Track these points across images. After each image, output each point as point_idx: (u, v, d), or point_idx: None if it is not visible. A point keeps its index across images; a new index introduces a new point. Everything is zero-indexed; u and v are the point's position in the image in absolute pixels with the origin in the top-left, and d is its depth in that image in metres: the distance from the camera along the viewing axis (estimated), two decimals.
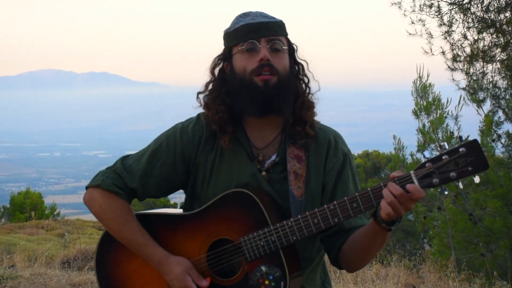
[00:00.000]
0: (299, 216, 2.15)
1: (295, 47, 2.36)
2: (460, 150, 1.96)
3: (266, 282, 2.16)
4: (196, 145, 2.34)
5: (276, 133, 2.35)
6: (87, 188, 2.36)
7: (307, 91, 2.35)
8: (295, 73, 2.34)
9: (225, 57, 2.33)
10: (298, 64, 2.36)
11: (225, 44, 2.33)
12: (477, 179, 1.98)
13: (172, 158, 2.33)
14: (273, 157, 2.32)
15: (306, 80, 2.36)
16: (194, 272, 2.25)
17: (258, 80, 2.21)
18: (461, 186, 2.03)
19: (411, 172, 2.01)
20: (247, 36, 2.24)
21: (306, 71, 2.36)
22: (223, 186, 2.28)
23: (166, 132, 2.40)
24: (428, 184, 2.00)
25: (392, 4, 8.90)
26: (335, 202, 2.11)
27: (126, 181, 2.32)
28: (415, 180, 2.00)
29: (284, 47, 2.27)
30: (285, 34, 2.31)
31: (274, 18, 2.30)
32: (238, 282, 2.21)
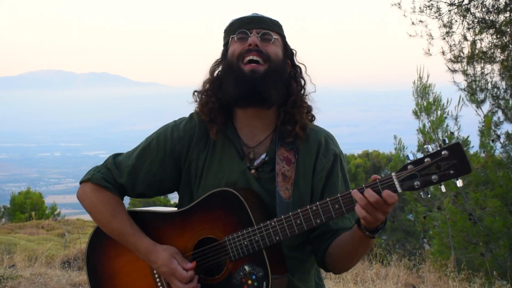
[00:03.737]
0: (282, 216, 2.14)
1: (294, 51, 2.38)
2: (443, 153, 1.93)
3: (249, 281, 2.17)
4: (187, 143, 2.35)
5: (268, 132, 2.36)
6: (80, 183, 2.40)
7: (302, 92, 2.36)
8: (291, 75, 2.36)
9: (223, 57, 2.36)
10: (296, 67, 2.38)
11: (223, 44, 2.37)
12: (459, 183, 1.95)
13: (162, 156, 2.35)
14: (263, 156, 2.33)
15: (302, 82, 2.37)
16: (179, 256, 2.26)
17: (246, 69, 2.24)
18: (443, 189, 1.98)
19: (393, 174, 1.99)
20: (239, 27, 2.30)
21: (304, 74, 2.38)
22: (213, 184, 2.30)
23: (158, 130, 2.42)
24: (409, 187, 1.97)
25: (392, 5, 8.92)
26: (317, 203, 2.09)
27: (115, 176, 2.36)
28: (396, 183, 1.98)
29: (275, 37, 2.30)
30: (278, 31, 2.34)
31: (270, 17, 2.35)
32: (222, 281, 2.23)
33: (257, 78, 2.22)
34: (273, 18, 2.36)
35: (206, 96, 2.34)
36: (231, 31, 2.33)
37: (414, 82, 9.08)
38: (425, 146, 1.97)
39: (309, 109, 2.36)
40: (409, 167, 1.97)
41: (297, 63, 2.39)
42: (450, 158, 1.93)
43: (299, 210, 2.12)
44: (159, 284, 2.33)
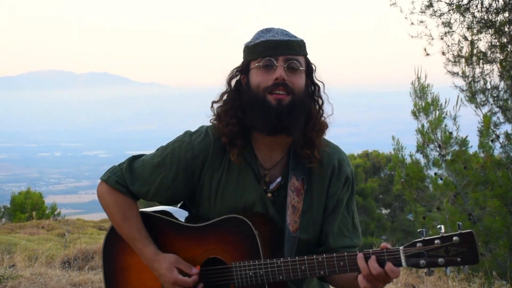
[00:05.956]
0: (288, 258, 2.16)
1: (313, 67, 2.35)
2: (454, 239, 1.95)
3: None
4: (201, 162, 2.35)
5: (284, 152, 2.36)
6: (100, 179, 2.46)
7: (321, 113, 2.35)
8: (311, 94, 2.34)
9: (243, 70, 2.33)
10: (315, 84, 2.35)
11: (244, 57, 2.34)
12: (466, 269, 1.97)
13: (174, 173, 2.36)
14: (278, 179, 2.35)
15: (320, 102, 2.36)
16: (182, 263, 2.31)
17: (272, 99, 2.21)
18: (448, 272, 2.03)
19: (400, 248, 2.02)
20: (265, 52, 2.23)
21: (322, 93, 2.36)
22: (231, 205, 2.33)
23: (174, 144, 2.41)
24: (415, 264, 2.00)
25: (391, 4, 8.93)
26: (324, 255, 2.12)
27: (128, 182, 2.40)
28: (402, 257, 2.00)
29: (301, 68, 2.26)
30: (304, 54, 2.30)
31: (295, 37, 2.28)
32: None
33: (283, 109, 2.20)
34: (298, 37, 2.29)
35: (226, 117, 2.32)
36: (255, 53, 2.26)
37: (412, 82, 9.08)
38: (438, 226, 1.98)
39: (325, 130, 2.37)
40: (418, 244, 1.99)
41: (316, 81, 2.36)
42: (460, 246, 1.94)
43: (305, 257, 2.14)
44: None
